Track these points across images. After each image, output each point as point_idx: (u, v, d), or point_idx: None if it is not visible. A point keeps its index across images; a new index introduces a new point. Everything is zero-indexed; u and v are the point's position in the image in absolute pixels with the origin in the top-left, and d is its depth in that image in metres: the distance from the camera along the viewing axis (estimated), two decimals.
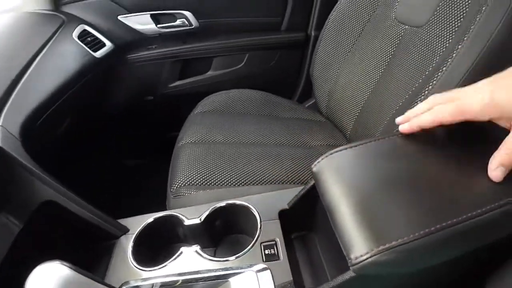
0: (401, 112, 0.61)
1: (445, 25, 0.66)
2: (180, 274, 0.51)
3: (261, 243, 0.48)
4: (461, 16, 0.62)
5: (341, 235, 0.31)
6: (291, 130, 0.93)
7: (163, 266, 0.53)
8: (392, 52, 0.78)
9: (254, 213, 0.52)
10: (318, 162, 0.38)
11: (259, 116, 0.99)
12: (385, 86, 0.76)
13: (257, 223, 0.51)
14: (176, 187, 0.74)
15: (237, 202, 0.55)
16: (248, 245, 0.49)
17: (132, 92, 1.13)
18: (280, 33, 1.13)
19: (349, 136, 0.90)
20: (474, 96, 0.34)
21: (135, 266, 0.55)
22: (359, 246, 0.29)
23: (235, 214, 0.56)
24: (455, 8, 0.64)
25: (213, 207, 0.55)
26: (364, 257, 0.28)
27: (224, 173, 0.74)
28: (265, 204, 0.54)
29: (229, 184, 0.71)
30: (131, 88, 1.12)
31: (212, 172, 0.74)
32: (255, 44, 1.11)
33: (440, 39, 0.67)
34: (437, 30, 0.68)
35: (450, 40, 0.64)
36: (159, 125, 1.22)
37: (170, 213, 0.59)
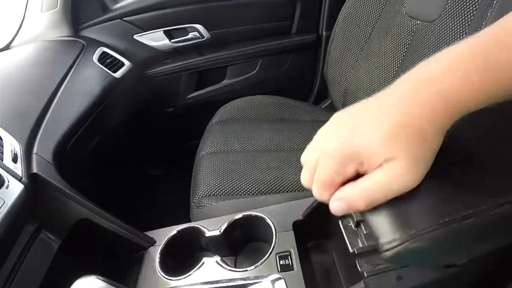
0: None
1: (457, 19, 0.64)
2: (203, 283, 0.54)
3: (276, 254, 0.50)
4: (473, 10, 0.61)
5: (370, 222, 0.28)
6: (307, 134, 0.94)
7: (187, 276, 0.56)
8: (405, 50, 0.77)
9: (270, 224, 0.54)
10: None
11: (275, 122, 1.00)
12: None
13: (272, 234, 0.53)
14: (198, 197, 0.77)
15: (253, 213, 0.57)
16: (266, 255, 0.51)
17: (152, 105, 1.18)
18: (291, 36, 1.14)
19: None
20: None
21: (162, 276, 0.59)
22: (389, 232, 0.26)
23: (253, 224, 0.58)
24: (467, 2, 0.62)
25: (230, 219, 0.58)
26: (397, 242, 0.25)
27: (243, 182, 0.76)
28: (280, 214, 0.55)
29: (248, 193, 0.74)
30: (152, 101, 1.17)
31: (231, 182, 0.77)
32: (267, 50, 1.13)
33: (452, 34, 0.65)
34: (450, 24, 0.66)
35: (463, 35, 0.63)
36: (182, 134, 1.27)
37: (192, 225, 0.63)
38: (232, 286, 0.51)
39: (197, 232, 0.62)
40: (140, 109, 1.18)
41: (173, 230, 0.64)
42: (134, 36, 1.13)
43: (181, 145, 1.22)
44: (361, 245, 0.34)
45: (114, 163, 1.14)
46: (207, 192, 0.77)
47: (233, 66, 1.14)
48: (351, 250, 0.36)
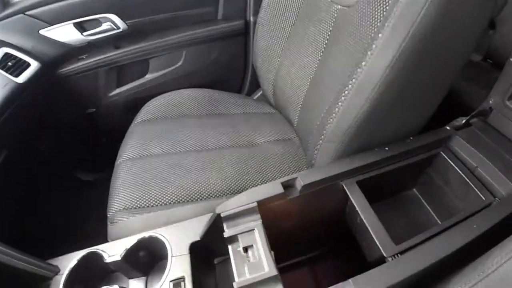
0: (333, 108, 0.57)
1: (373, 4, 0.60)
2: None
3: (170, 281, 0.46)
4: None
5: None
6: (237, 128, 0.89)
7: None
8: (327, 39, 0.73)
9: (167, 248, 0.50)
10: None
11: (203, 117, 0.94)
12: (321, 78, 0.72)
13: (167, 258, 0.48)
14: (112, 212, 0.71)
15: (153, 235, 0.52)
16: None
17: (71, 107, 1.07)
18: (217, 23, 1.06)
19: (296, 128, 0.87)
20: None
21: None
22: None
23: (155, 244, 0.53)
24: None
25: (127, 246, 0.52)
26: None
27: (159, 192, 0.70)
28: (180, 235, 0.51)
29: (164, 204, 0.68)
30: (70, 103, 1.06)
31: (146, 193, 0.71)
32: (192, 39, 1.04)
33: (369, 20, 0.61)
34: (366, 9, 0.62)
35: (379, 22, 0.59)
36: (110, 137, 1.17)
37: (91, 250, 0.57)
38: None
39: (98, 257, 0.57)
40: (57, 113, 1.07)
41: (75, 257, 0.58)
42: (40, 32, 0.99)
43: (111, 147, 1.13)
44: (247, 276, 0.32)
45: (33, 175, 1.03)
46: (121, 206, 0.70)
47: (155, 59, 1.05)
48: (236, 278, 0.33)
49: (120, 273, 0.60)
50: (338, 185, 0.50)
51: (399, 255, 0.43)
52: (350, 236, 0.55)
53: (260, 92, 1.12)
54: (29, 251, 0.59)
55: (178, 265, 0.47)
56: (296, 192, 0.45)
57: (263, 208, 0.43)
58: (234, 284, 0.36)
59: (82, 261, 0.58)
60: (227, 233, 0.40)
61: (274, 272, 0.36)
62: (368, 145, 0.57)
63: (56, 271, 0.59)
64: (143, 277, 0.60)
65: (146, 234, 0.53)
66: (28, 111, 0.94)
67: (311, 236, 0.66)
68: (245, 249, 0.39)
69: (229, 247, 0.40)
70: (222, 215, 0.41)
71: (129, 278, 0.61)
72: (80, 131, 1.15)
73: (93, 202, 0.85)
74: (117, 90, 1.08)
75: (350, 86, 0.54)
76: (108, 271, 0.61)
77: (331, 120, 0.57)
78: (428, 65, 0.52)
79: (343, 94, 0.54)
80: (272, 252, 0.49)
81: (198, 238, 0.48)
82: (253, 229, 0.40)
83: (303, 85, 0.79)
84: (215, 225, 0.43)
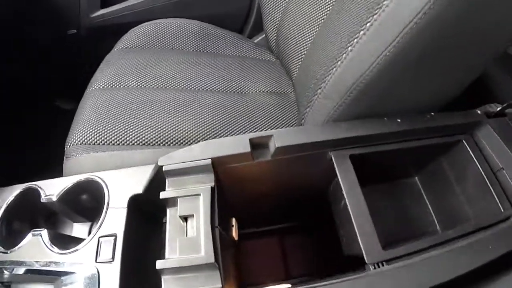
0: (340, 54, 0.44)
1: None
2: (18, 263, 0.42)
3: (99, 237, 0.38)
4: None
5: None
6: (227, 71, 0.78)
7: (11, 251, 0.45)
8: None
9: (105, 197, 0.41)
10: None
11: (190, 53, 0.82)
12: (333, 19, 0.57)
13: (102, 210, 0.40)
14: (70, 145, 0.62)
15: (91, 178, 0.43)
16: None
17: (50, 26, 0.94)
18: None
19: (294, 81, 0.74)
20: None
21: None
22: None
23: (97, 189, 0.44)
24: None
25: (66, 185, 0.44)
26: None
27: (120, 129, 0.61)
28: (121, 184, 0.42)
29: (124, 143, 0.59)
30: (48, 22, 0.93)
31: (107, 128, 0.61)
32: None
33: None
34: None
35: None
36: (92, 63, 1.05)
37: (29, 185, 0.49)
38: (44, 271, 0.39)
39: (36, 195, 0.49)
40: (34, 32, 0.94)
41: (14, 191, 0.51)
42: None
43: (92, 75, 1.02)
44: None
45: (4, 100, 0.93)
46: (80, 139, 0.61)
47: None
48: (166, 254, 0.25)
49: (64, 216, 0.53)
50: (324, 155, 0.39)
51: (384, 264, 0.33)
52: (328, 214, 0.46)
53: (262, 36, 0.97)
54: None
55: (113, 219, 0.39)
56: (267, 154, 0.34)
57: (222, 167, 0.33)
58: (157, 263, 0.27)
59: (22, 196, 0.51)
60: (164, 193, 0.31)
61: (211, 258, 0.27)
62: (374, 112, 0.45)
63: None
64: (88, 223, 0.53)
65: (83, 176, 0.44)
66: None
67: (282, 206, 0.57)
68: (185, 219, 0.30)
69: (168, 210, 0.31)
70: (164, 168, 0.32)
71: (74, 222, 0.54)
72: (60, 55, 1.03)
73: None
74: (101, 11, 0.94)
75: (368, 24, 0.40)
76: (51, 210, 0.53)
77: (334, 69, 0.44)
78: (463, 33, 0.39)
79: (356, 36, 0.41)
80: (234, 220, 0.40)
81: (140, 191, 0.39)
82: (198, 194, 0.31)
83: (311, 29, 0.66)
84: (160, 178, 0.34)
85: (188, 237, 0.29)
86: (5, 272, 0.44)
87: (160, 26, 0.86)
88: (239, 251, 0.61)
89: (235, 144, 0.33)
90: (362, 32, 0.40)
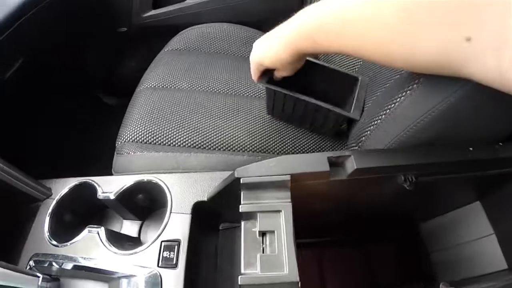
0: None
1: None
2: (72, 260, 0.43)
3: (162, 241, 0.38)
4: None
5: None
6: None
7: (65, 245, 0.46)
8: None
9: (168, 200, 0.41)
10: None
11: (239, 59, 0.82)
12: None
13: (166, 214, 0.40)
14: (122, 142, 0.63)
15: (154, 180, 0.44)
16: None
17: (102, 22, 0.97)
18: None
19: None
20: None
21: (46, 237, 0.48)
22: None
23: (156, 190, 0.45)
24: None
25: (124, 185, 0.44)
26: None
27: (175, 130, 0.61)
28: (184, 188, 0.42)
29: (176, 145, 0.59)
30: (101, 18, 0.96)
31: (160, 128, 0.62)
32: None
33: None
34: None
35: None
36: (139, 61, 1.08)
37: (86, 180, 0.50)
38: (99, 270, 0.40)
39: (92, 190, 0.50)
40: (85, 25, 0.97)
41: (69, 184, 0.52)
42: None
43: (141, 73, 1.04)
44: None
45: (49, 91, 0.96)
46: (132, 137, 0.62)
47: None
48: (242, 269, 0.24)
49: (115, 211, 0.53)
50: (395, 177, 0.37)
51: None
52: (373, 229, 0.44)
53: None
54: (28, 169, 0.53)
55: (176, 224, 0.39)
56: (343, 173, 0.34)
57: (297, 184, 0.33)
58: (239, 278, 0.27)
59: (75, 189, 0.52)
60: (244, 206, 0.30)
61: (295, 277, 0.27)
62: (444, 139, 0.44)
63: (48, 194, 0.53)
64: (139, 221, 0.53)
65: (145, 177, 0.45)
66: (52, 16, 0.84)
67: (334, 222, 0.56)
68: (262, 234, 0.30)
69: (242, 223, 0.30)
70: (242, 181, 0.31)
71: (124, 219, 0.54)
72: (108, 51, 1.06)
73: (112, 128, 0.79)
74: (153, 12, 0.95)
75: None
76: (103, 205, 0.54)
77: (407, 92, 0.42)
78: None
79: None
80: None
81: (204, 199, 0.39)
82: (280, 211, 0.30)
83: None
84: (230, 188, 0.34)
85: (269, 253, 0.28)
86: (55, 265, 0.44)
87: (209, 30, 0.87)
88: None
89: (314, 162, 0.32)
90: None
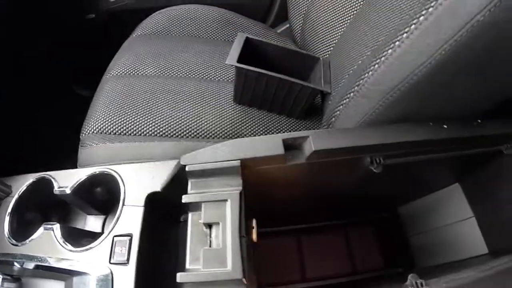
0: (383, 49, 0.39)
1: None
2: (29, 258, 0.40)
3: (114, 236, 0.35)
4: None
5: None
6: None
7: (22, 244, 0.43)
8: None
9: (120, 193, 0.38)
10: None
11: (211, 41, 0.78)
12: (369, 15, 0.52)
13: (118, 206, 0.37)
14: (85, 134, 0.60)
15: (106, 171, 0.41)
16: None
17: (68, 10, 0.92)
18: None
19: None
20: None
21: (6, 237, 0.45)
22: None
23: (112, 182, 0.42)
24: None
25: (79, 178, 0.41)
26: None
27: (138, 119, 0.58)
28: (138, 179, 0.39)
29: (139, 134, 0.56)
30: (67, 5, 0.90)
31: (125, 117, 0.59)
32: None
33: None
34: None
35: None
36: (111, 49, 1.03)
37: (43, 175, 0.47)
38: (55, 268, 0.37)
39: (50, 185, 0.47)
40: (53, 16, 0.92)
41: (27, 180, 0.49)
42: None
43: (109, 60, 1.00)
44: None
45: (21, 85, 0.92)
46: (95, 128, 0.59)
47: None
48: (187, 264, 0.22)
49: (78, 208, 0.51)
50: (362, 159, 0.34)
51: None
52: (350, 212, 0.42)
53: (286, 26, 0.92)
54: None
55: (129, 218, 0.37)
56: (301, 157, 0.31)
57: (249, 169, 0.30)
58: (178, 276, 0.24)
59: (33, 185, 0.49)
60: (187, 196, 0.28)
61: (239, 274, 0.24)
62: (416, 114, 0.41)
63: (8, 192, 0.50)
64: (102, 216, 0.50)
65: (98, 169, 0.41)
66: (17, 11, 0.79)
67: (304, 208, 0.54)
68: (209, 225, 0.27)
69: (189, 215, 0.28)
70: (187, 168, 0.28)
71: (88, 214, 0.51)
72: (78, 40, 1.00)
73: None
74: None
75: (422, 18, 0.36)
76: (65, 202, 0.51)
77: (375, 66, 0.39)
78: None
79: (405, 31, 0.36)
80: (254, 221, 0.37)
81: (158, 189, 0.36)
82: (225, 200, 0.27)
83: (341, 20, 0.62)
84: (178, 177, 0.31)
85: (213, 248, 0.26)
86: (16, 265, 0.43)
87: (180, 12, 0.82)
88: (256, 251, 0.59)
89: (266, 145, 0.29)
90: (413, 27, 0.35)
